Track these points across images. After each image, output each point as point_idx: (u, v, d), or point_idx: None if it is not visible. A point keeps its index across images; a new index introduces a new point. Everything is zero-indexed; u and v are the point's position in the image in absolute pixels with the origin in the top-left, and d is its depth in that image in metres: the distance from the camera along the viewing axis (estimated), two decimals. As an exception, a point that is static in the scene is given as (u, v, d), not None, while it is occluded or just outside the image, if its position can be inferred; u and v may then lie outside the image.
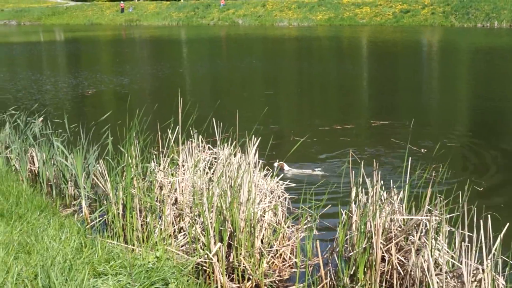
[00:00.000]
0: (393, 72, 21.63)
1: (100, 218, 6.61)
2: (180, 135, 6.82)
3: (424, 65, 25.18)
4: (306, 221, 5.96)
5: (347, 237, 5.29)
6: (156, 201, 6.32)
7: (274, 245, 5.82)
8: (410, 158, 5.77)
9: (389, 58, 27.46)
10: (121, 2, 71.23)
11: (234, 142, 7.06)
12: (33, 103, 15.07)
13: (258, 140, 6.51)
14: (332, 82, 20.01)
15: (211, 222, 5.56)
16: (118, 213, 6.18)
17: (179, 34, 50.26)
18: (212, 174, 6.77)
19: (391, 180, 6.17)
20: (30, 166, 8.83)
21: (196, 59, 28.77)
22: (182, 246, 6.02)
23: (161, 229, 6.09)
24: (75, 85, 19.55)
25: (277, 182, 6.51)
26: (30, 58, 30.63)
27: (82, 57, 32.35)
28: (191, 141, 7.28)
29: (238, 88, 18.89)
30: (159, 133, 6.95)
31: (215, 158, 7.54)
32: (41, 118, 9.36)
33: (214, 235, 5.57)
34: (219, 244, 5.42)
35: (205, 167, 6.98)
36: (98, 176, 6.77)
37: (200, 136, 7.40)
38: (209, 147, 7.73)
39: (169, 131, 6.99)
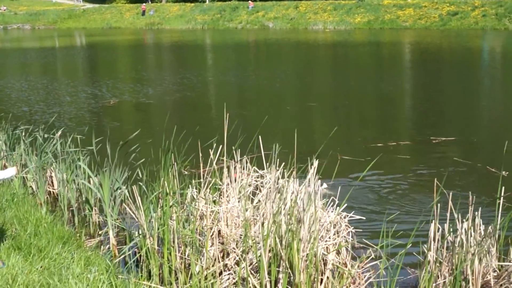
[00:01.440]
0: (446, 82, 20.89)
1: (130, 252, 6.18)
2: (225, 156, 6.34)
3: (482, 73, 24.28)
4: (371, 257, 5.44)
5: (433, 284, 4.73)
6: (196, 233, 5.85)
7: (339, 291, 5.28)
8: (484, 182, 5.22)
9: (439, 66, 26.72)
10: (143, 4, 71.65)
11: (286, 164, 6.57)
12: (51, 116, 14.82)
13: (317, 163, 5.98)
14: (377, 93, 19.32)
15: (263, 261, 5.06)
16: (153, 248, 5.71)
17: (204, 38, 50.27)
18: (258, 202, 6.29)
19: (477, 213, 5.59)
20: (48, 188, 8.48)
21: (223, 67, 28.46)
22: (227, 288, 5.52)
23: (202, 267, 5.60)
24: (96, 96, 19.33)
25: (339, 213, 5.97)
26: (46, 66, 30.72)
27: (101, 64, 32.39)
28: (234, 162, 6.79)
29: (267, 100, 18.46)
30: (200, 154, 6.46)
31: (262, 182, 7.09)
32: (59, 133, 9.01)
33: (268, 277, 5.08)
34: (275, 289, 4.92)
35: (251, 193, 6.51)
36: (129, 203, 6.32)
37: (245, 157, 6.91)
38: (254, 169, 7.25)
39: (211, 151, 6.52)
